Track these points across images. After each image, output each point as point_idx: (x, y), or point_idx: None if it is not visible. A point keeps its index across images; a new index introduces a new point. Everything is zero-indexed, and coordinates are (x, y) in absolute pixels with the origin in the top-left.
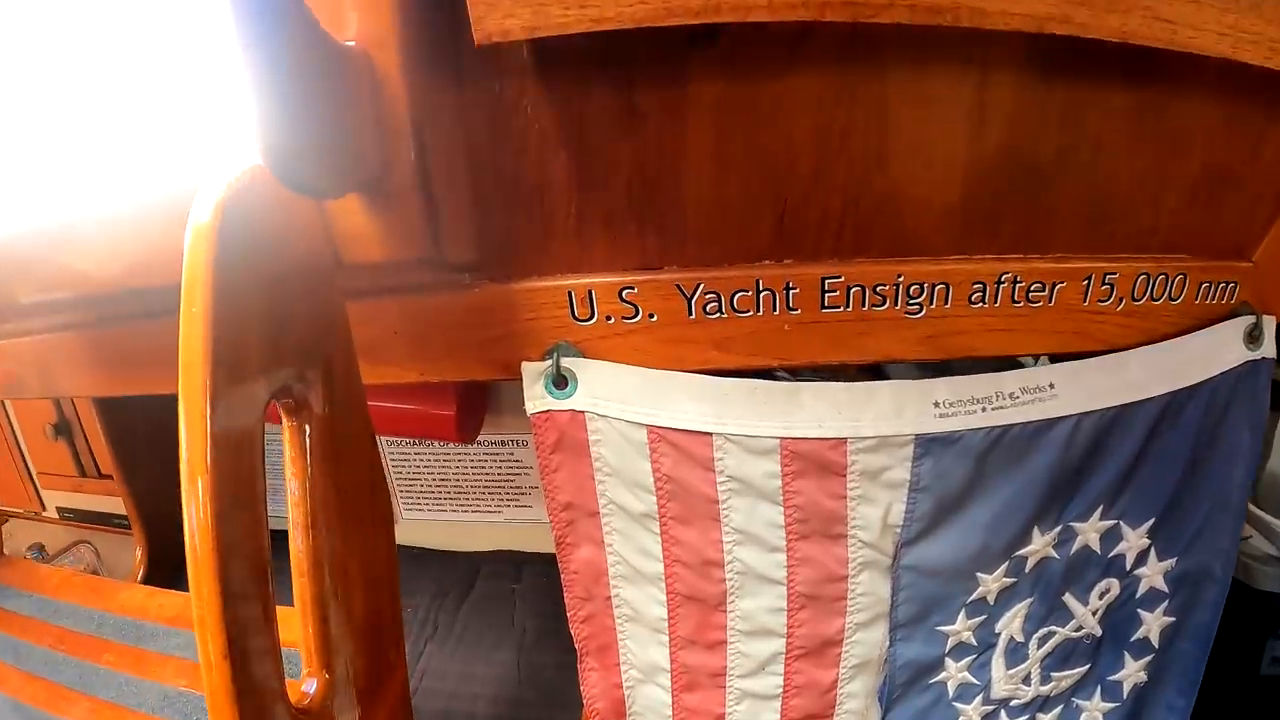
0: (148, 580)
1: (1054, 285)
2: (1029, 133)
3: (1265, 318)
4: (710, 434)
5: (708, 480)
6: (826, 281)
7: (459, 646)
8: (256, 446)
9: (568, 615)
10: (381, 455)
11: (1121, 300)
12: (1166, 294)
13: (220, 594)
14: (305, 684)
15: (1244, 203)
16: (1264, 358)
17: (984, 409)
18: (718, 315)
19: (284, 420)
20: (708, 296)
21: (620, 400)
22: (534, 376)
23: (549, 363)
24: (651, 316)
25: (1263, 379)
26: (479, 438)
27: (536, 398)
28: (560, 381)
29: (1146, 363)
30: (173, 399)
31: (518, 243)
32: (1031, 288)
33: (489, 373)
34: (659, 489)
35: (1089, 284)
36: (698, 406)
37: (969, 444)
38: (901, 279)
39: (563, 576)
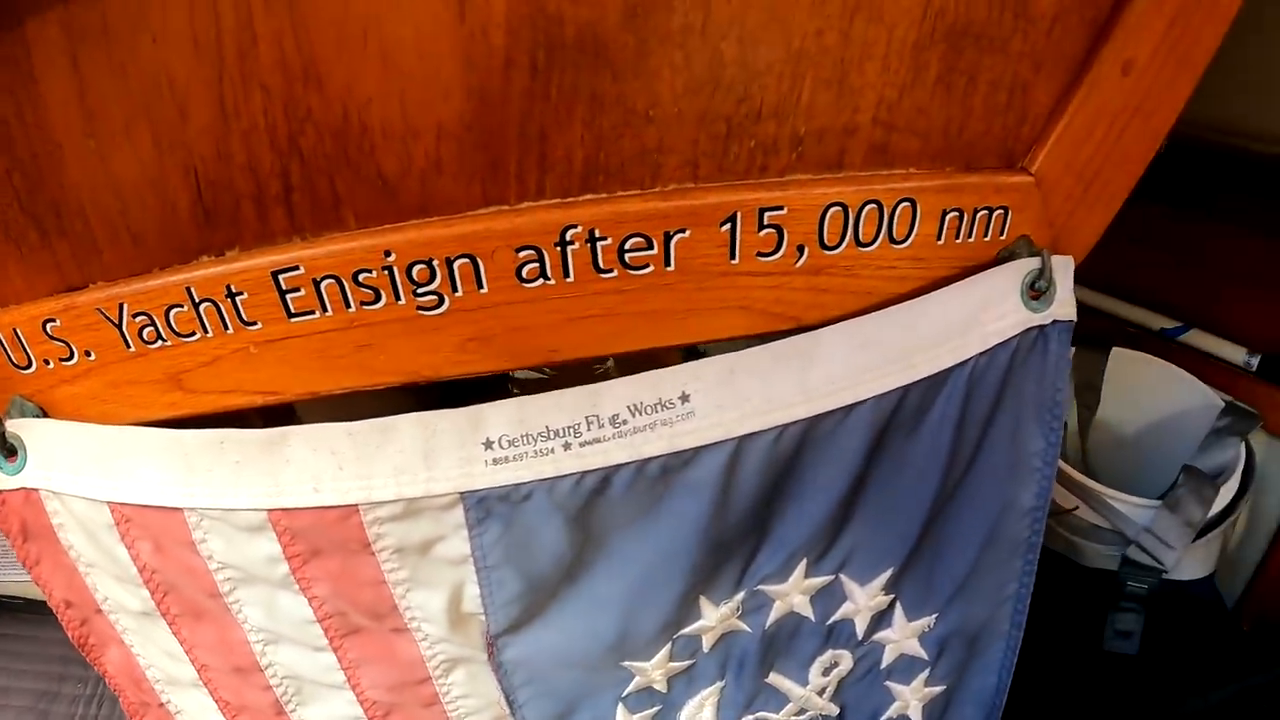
0: None
1: (667, 237)
2: None
3: (1056, 259)
4: (180, 509)
5: (199, 569)
6: (281, 277)
7: None
8: None
9: None
10: None
11: (803, 250)
12: (884, 234)
13: None
14: None
15: (1005, 75)
16: (1056, 321)
17: (566, 446)
18: (159, 343)
19: None
20: (139, 320)
21: (74, 470)
22: None
23: None
24: (89, 354)
25: (1055, 353)
26: None
27: None
28: (10, 451)
29: (853, 345)
30: None
31: None
32: (626, 245)
33: None
34: (147, 582)
35: (733, 228)
36: (161, 473)
37: (550, 500)
38: (393, 258)
39: (105, 680)
